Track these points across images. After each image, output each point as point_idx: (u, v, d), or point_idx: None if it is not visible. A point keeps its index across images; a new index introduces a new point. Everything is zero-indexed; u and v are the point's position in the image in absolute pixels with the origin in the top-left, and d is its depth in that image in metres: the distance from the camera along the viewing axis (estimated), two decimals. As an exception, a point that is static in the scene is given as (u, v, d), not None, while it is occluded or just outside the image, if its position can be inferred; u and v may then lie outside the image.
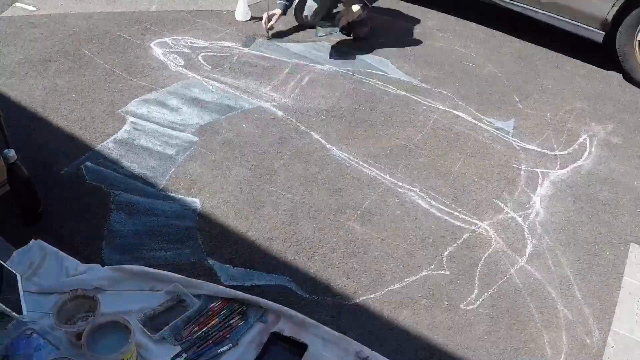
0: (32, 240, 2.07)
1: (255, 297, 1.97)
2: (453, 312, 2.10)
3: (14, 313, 1.75)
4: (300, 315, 1.93)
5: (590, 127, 3.15)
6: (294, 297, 2.07)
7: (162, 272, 2.00)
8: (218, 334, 1.84)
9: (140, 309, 1.88)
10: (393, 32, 3.83)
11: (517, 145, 2.94)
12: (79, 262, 2.02)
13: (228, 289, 1.99)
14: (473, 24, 4.06)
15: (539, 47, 3.86)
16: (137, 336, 1.77)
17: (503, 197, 2.62)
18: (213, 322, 1.87)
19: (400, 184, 2.62)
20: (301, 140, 2.79)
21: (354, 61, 3.46)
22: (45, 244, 2.06)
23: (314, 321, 1.92)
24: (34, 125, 2.69)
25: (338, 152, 2.75)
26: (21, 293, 1.85)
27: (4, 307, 1.73)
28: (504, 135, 3.00)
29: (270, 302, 1.96)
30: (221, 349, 1.80)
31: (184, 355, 1.77)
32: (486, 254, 2.33)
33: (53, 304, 1.76)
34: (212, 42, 3.48)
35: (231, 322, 1.88)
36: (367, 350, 1.87)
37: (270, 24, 3.52)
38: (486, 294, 2.17)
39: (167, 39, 3.45)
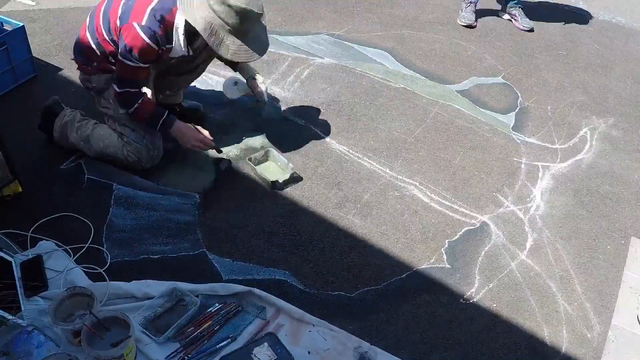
0: (44, 240, 2.08)
1: (256, 289, 1.96)
2: (453, 306, 2.09)
3: (8, 315, 1.75)
4: (299, 310, 1.93)
5: (591, 120, 3.13)
6: (293, 291, 2.07)
7: (149, 281, 1.98)
8: (214, 330, 1.84)
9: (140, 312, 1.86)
10: (393, 26, 3.81)
11: (518, 139, 2.93)
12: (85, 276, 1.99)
13: (225, 285, 1.98)
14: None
15: (539, 39, 3.84)
16: (137, 333, 1.77)
17: (503, 190, 2.61)
18: (209, 324, 1.85)
19: (400, 177, 2.61)
20: (300, 133, 2.78)
21: (353, 54, 3.44)
22: (54, 245, 2.06)
23: (313, 316, 1.92)
24: (33, 121, 2.68)
25: (337, 146, 2.74)
26: (20, 291, 1.85)
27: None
28: (504, 129, 2.99)
29: (270, 296, 1.96)
30: (220, 344, 1.80)
31: (183, 352, 1.77)
32: (486, 248, 2.33)
33: (51, 301, 1.76)
34: (212, 35, 3.46)
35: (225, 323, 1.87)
36: (365, 345, 1.86)
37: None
38: (486, 287, 2.17)
39: (166, 33, 3.43)
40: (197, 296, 1.91)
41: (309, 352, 1.82)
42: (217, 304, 1.91)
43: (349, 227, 2.34)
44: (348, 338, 1.87)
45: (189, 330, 1.82)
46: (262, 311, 1.91)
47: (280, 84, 3.10)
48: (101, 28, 2.27)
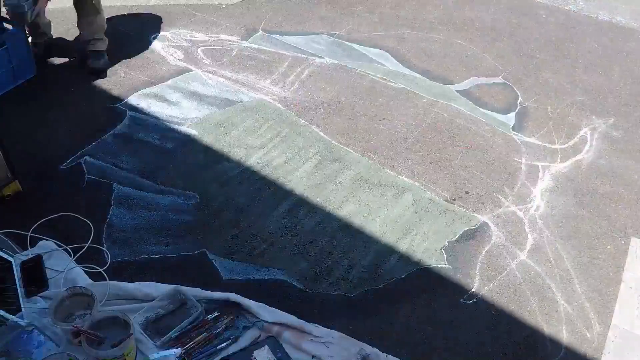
0: (44, 240, 2.08)
1: (256, 305, 1.92)
2: (453, 306, 2.09)
3: (8, 315, 1.75)
4: (299, 321, 1.90)
5: (591, 120, 3.13)
6: (293, 291, 2.07)
7: (151, 283, 1.97)
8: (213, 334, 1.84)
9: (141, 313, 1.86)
10: (393, 26, 3.81)
11: (518, 139, 2.93)
12: (85, 276, 1.99)
13: (225, 294, 1.95)
14: (473, 17, 4.04)
15: (539, 39, 3.84)
16: (137, 334, 1.76)
17: (503, 190, 2.61)
18: (202, 336, 1.83)
19: (400, 177, 2.61)
20: (301, 133, 2.78)
21: (353, 54, 3.44)
22: (54, 245, 2.07)
23: (312, 326, 1.89)
24: (33, 121, 2.68)
25: (338, 146, 2.74)
26: (20, 290, 1.86)
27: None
28: (504, 129, 2.99)
29: (270, 308, 1.92)
30: (221, 345, 1.80)
31: (183, 351, 1.77)
32: (486, 248, 2.32)
33: (51, 301, 1.76)
34: (212, 35, 3.47)
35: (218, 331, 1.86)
36: (367, 348, 1.85)
37: None
38: (486, 288, 2.17)
39: (166, 33, 3.43)
40: (199, 301, 1.90)
41: (313, 357, 1.82)
42: (216, 312, 1.90)
43: (349, 227, 2.34)
44: (350, 343, 1.85)
45: (188, 338, 1.81)
46: (259, 320, 1.90)
47: (280, 84, 3.10)
48: None
